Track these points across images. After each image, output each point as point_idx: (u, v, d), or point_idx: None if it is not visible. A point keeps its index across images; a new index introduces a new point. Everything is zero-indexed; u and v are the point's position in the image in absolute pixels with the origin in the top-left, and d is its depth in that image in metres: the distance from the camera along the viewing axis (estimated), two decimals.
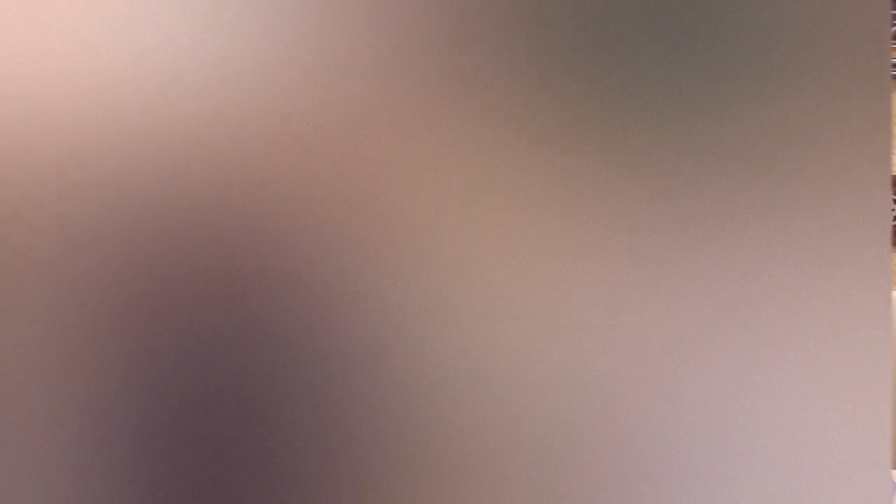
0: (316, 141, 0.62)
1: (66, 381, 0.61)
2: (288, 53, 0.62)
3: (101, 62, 0.61)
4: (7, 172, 0.61)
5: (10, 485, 0.61)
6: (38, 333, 0.61)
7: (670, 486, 0.62)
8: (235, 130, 0.61)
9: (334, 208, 0.62)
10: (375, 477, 0.62)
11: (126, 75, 0.61)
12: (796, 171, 0.62)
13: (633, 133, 0.62)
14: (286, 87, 0.62)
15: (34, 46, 0.61)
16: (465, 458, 0.62)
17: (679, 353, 0.62)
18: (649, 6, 0.62)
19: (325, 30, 0.62)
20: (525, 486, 0.62)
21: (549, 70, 0.62)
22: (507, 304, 0.62)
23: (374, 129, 0.62)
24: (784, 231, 0.62)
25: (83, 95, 0.61)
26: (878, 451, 0.62)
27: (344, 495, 0.62)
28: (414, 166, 0.62)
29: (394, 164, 0.62)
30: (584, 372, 0.62)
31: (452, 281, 0.62)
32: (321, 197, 0.62)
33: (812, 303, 0.62)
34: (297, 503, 0.62)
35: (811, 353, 0.62)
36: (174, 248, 0.61)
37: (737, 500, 0.62)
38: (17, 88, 0.61)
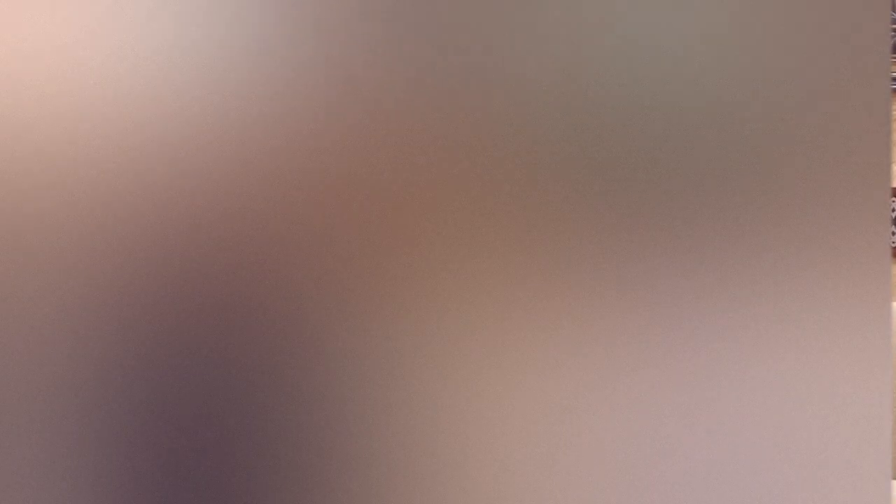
0: (317, 145, 0.62)
1: (66, 381, 0.61)
2: (289, 55, 0.62)
3: (103, 63, 0.61)
4: (8, 172, 0.61)
5: (10, 484, 0.61)
6: (40, 333, 0.61)
7: (671, 487, 0.62)
8: (237, 132, 0.61)
9: (333, 210, 0.62)
10: (371, 478, 0.62)
11: (127, 76, 0.61)
12: (796, 180, 0.62)
13: (632, 132, 0.62)
14: (288, 89, 0.62)
15: (35, 47, 0.61)
16: (463, 461, 0.62)
17: (681, 359, 0.62)
18: (650, 7, 0.62)
19: (330, 34, 0.62)
20: (527, 488, 0.63)
21: (550, 75, 0.62)
22: (507, 304, 0.62)
23: (374, 131, 0.62)
24: (784, 240, 0.62)
25: (84, 96, 0.61)
26: (878, 456, 0.63)
27: (344, 496, 0.62)
28: (414, 170, 0.62)
29: (394, 168, 0.62)
30: (584, 371, 0.62)
31: (452, 282, 0.62)
32: (320, 199, 0.62)
33: (813, 312, 0.62)
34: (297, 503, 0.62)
35: (813, 361, 0.62)
36: (173, 249, 0.61)
37: (738, 500, 0.62)
38: (17, 89, 0.61)
